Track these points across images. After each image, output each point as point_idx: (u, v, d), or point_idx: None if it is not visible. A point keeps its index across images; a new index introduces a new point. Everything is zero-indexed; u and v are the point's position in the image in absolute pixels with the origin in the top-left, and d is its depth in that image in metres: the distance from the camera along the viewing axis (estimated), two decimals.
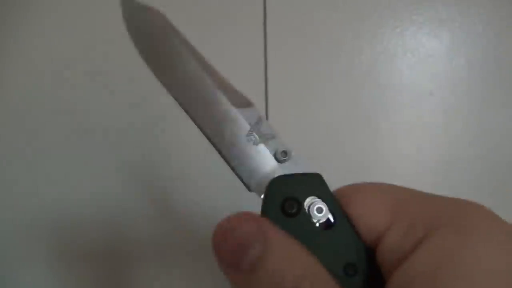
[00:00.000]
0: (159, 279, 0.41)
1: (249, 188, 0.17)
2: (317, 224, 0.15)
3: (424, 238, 0.12)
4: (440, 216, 0.13)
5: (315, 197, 0.16)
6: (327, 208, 0.15)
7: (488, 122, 0.42)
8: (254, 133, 0.16)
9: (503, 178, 0.41)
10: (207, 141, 0.40)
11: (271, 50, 0.42)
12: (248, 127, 0.16)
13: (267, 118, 0.41)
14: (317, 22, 0.43)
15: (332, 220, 0.15)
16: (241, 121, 0.16)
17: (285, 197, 0.15)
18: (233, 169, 0.17)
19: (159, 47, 0.17)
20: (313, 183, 0.16)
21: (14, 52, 0.43)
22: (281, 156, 0.16)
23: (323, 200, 0.16)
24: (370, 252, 0.15)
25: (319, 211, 0.15)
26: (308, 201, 0.16)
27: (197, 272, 0.42)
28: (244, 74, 0.42)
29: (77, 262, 0.41)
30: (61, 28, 0.43)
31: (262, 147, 0.16)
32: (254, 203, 0.17)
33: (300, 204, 0.15)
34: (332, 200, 0.16)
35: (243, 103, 0.17)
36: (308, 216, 0.15)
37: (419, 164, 0.42)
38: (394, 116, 0.42)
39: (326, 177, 0.17)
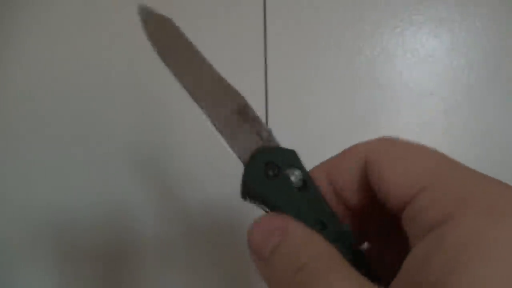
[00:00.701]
0: (162, 278, 0.41)
1: (240, 159, 0.19)
2: (294, 186, 0.18)
3: (454, 213, 0.12)
4: (473, 194, 0.13)
5: (291, 165, 0.18)
6: (300, 174, 0.18)
7: (488, 122, 0.42)
8: (241, 115, 0.20)
9: (503, 178, 0.41)
10: (211, 142, 0.40)
11: (271, 50, 0.42)
12: (237, 109, 0.20)
13: (267, 118, 0.41)
14: (317, 22, 0.43)
15: (304, 185, 0.18)
16: (231, 104, 0.20)
17: (267, 161, 0.18)
18: (227, 144, 0.20)
19: (174, 48, 0.20)
20: (290, 155, 0.18)
21: (18, 51, 0.43)
22: (263, 135, 0.19)
23: (297, 168, 0.18)
24: (334, 214, 0.17)
25: (294, 175, 0.18)
26: (286, 167, 0.18)
27: (200, 272, 0.42)
28: (244, 74, 0.42)
29: (79, 263, 0.41)
30: (67, 26, 0.43)
31: (248, 126, 0.19)
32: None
33: (280, 168, 0.18)
34: (304, 169, 0.18)
35: (235, 93, 0.20)
36: (287, 179, 0.18)
37: None
38: (394, 116, 0.42)
39: None
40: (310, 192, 0.18)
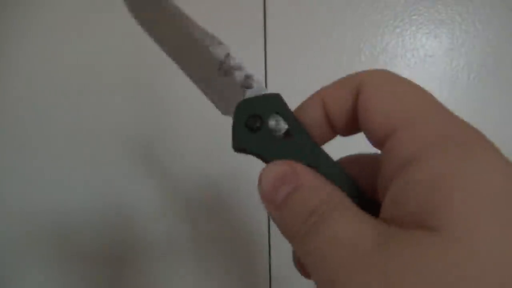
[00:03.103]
0: (165, 278, 0.41)
1: (223, 112, 0.19)
2: (278, 135, 0.18)
3: (428, 149, 0.14)
4: (448, 134, 0.14)
5: (275, 113, 0.18)
6: (284, 122, 0.18)
7: (488, 122, 0.42)
8: (223, 66, 0.19)
9: None
10: (214, 136, 0.40)
11: (271, 50, 0.42)
12: (218, 61, 0.19)
13: None
14: (317, 22, 0.43)
15: (291, 132, 0.18)
16: (212, 56, 0.19)
17: (248, 115, 0.18)
18: (209, 98, 0.20)
19: (150, 6, 0.21)
20: (273, 102, 0.18)
21: (18, 52, 0.43)
22: (246, 83, 0.19)
23: (281, 115, 0.18)
24: (326, 156, 0.17)
25: (278, 124, 0.18)
26: (269, 117, 0.18)
27: (206, 270, 0.42)
28: None
29: (80, 264, 0.41)
30: (66, 26, 0.43)
31: (231, 77, 0.19)
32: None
33: (262, 120, 0.18)
34: (290, 115, 0.18)
35: (215, 42, 0.20)
36: (270, 129, 0.18)
37: None
38: None
39: None
40: (296, 137, 0.18)
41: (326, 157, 0.17)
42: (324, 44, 0.43)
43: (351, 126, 0.18)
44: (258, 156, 0.18)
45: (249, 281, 0.41)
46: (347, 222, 0.14)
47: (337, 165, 0.17)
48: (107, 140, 0.42)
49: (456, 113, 0.16)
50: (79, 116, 0.42)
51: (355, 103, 0.17)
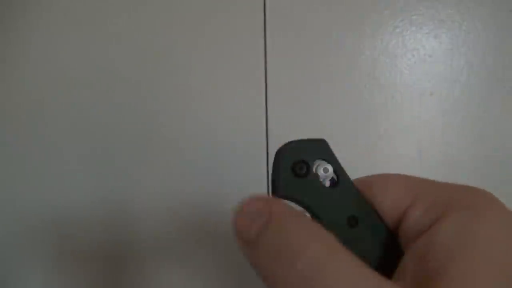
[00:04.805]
0: (162, 278, 0.41)
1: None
2: (324, 183, 0.17)
3: (443, 215, 0.15)
4: (456, 199, 0.15)
5: (321, 159, 0.17)
6: (332, 169, 0.17)
7: (488, 122, 0.42)
8: None
9: (503, 178, 0.41)
10: (211, 142, 0.39)
11: (271, 51, 0.42)
12: None
13: (267, 119, 0.41)
14: (317, 22, 0.43)
15: (336, 179, 0.17)
16: None
17: (295, 160, 0.17)
18: None
19: None
20: (319, 148, 0.18)
21: (18, 50, 0.43)
22: None
23: (328, 162, 0.17)
24: (369, 207, 0.17)
25: (325, 171, 0.17)
26: (315, 163, 0.17)
27: (201, 271, 0.42)
28: (244, 75, 0.42)
29: (78, 263, 0.41)
30: (67, 24, 0.43)
31: None
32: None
33: (309, 166, 0.17)
34: (336, 162, 0.18)
35: None
36: (316, 176, 0.17)
37: (419, 164, 0.42)
38: (394, 116, 0.42)
39: None
40: (342, 186, 0.17)
41: (370, 207, 0.17)
42: (324, 45, 0.43)
43: None
44: (301, 203, 0.17)
45: (248, 281, 0.41)
46: (352, 273, 0.13)
47: (379, 215, 0.17)
48: (107, 140, 0.42)
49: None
50: (79, 116, 0.42)
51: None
